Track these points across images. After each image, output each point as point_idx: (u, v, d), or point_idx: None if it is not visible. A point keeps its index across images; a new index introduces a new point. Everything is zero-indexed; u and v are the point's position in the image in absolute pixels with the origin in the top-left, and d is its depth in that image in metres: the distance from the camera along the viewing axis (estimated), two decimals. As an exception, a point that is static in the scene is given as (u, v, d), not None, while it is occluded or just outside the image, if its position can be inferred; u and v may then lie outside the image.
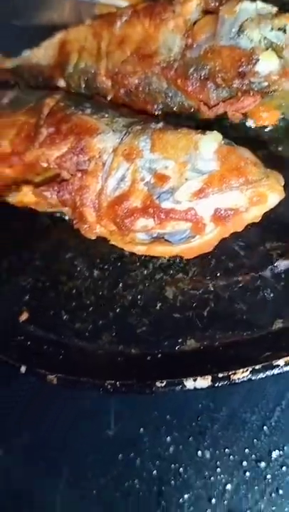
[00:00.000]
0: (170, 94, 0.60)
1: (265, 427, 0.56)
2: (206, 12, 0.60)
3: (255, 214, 0.48)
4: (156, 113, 0.63)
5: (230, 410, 0.58)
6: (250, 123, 0.59)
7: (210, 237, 0.50)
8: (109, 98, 0.66)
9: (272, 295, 0.51)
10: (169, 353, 0.52)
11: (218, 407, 0.59)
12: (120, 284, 0.58)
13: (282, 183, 0.49)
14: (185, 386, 0.46)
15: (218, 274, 0.54)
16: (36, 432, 0.63)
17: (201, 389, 0.46)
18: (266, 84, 0.54)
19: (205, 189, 0.49)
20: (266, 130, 0.59)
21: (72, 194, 0.56)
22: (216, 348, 0.50)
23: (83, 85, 0.67)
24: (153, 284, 0.56)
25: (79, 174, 0.56)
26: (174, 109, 0.61)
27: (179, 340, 0.53)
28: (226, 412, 0.59)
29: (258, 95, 0.54)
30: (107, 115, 0.59)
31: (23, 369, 0.53)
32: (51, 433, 0.65)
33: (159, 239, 0.53)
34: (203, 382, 0.45)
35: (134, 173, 0.53)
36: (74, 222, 0.57)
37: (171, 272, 0.56)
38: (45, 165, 0.59)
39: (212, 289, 0.54)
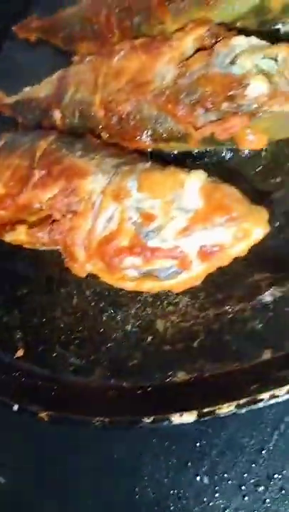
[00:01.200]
0: (160, 120, 0.63)
1: (263, 452, 0.57)
2: (201, 49, 0.63)
3: (240, 249, 0.50)
4: (146, 141, 0.65)
5: (229, 435, 0.60)
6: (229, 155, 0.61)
7: (197, 272, 0.52)
8: (100, 129, 0.69)
9: (260, 326, 0.53)
10: (160, 386, 0.53)
11: (216, 432, 0.60)
12: (112, 319, 0.60)
13: (267, 217, 0.51)
14: (171, 422, 0.47)
15: (208, 306, 0.56)
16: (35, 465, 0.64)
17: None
18: (255, 106, 0.55)
19: (190, 227, 0.51)
20: (250, 164, 0.61)
21: (63, 234, 0.58)
22: (204, 380, 0.52)
23: (77, 115, 0.70)
24: (144, 318, 0.58)
25: (69, 215, 0.58)
26: (163, 135, 0.63)
27: (170, 373, 0.54)
28: (224, 437, 0.60)
29: (245, 116, 0.56)
30: (97, 156, 0.62)
31: (15, 407, 0.55)
32: (49, 465, 0.66)
33: (148, 275, 0.54)
34: (189, 417, 0.47)
35: (123, 213, 0.55)
36: (65, 260, 0.59)
37: (161, 305, 0.58)
38: (38, 206, 0.61)
39: (202, 320, 0.55)
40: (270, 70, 0.56)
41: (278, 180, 0.58)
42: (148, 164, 0.58)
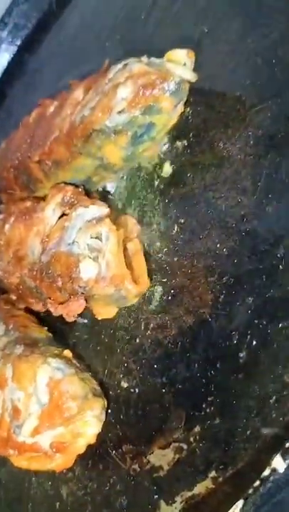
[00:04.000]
0: (38, 291, 0.68)
1: None
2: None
3: (84, 443, 0.54)
4: (38, 305, 0.71)
5: None
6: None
7: (61, 460, 0.57)
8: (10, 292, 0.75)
9: (126, 502, 0.56)
10: None
11: None
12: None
13: (99, 412, 0.54)
14: None
15: (93, 476, 0.60)
16: None
17: None
18: (87, 288, 0.59)
19: (39, 427, 0.56)
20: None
21: None
22: None
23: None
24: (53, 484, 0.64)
25: None
26: (43, 306, 0.69)
27: None
28: None
29: (81, 298, 0.59)
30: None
31: None
32: None
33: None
34: None
35: (3, 403, 0.61)
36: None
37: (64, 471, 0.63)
38: None
39: (89, 490, 0.60)
40: (98, 247, 0.58)
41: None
42: (21, 349, 0.63)
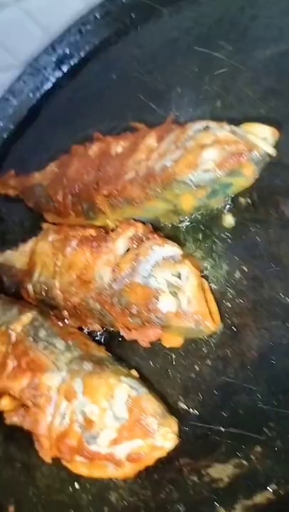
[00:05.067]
0: (103, 314, 0.75)
1: None
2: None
3: (158, 455, 0.63)
4: (96, 326, 0.79)
5: None
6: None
7: (129, 469, 0.65)
8: (62, 308, 0.81)
9: (183, 508, 0.65)
10: None
11: None
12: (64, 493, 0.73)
13: (176, 429, 0.63)
14: None
15: (146, 485, 0.68)
16: None
17: None
18: (165, 319, 0.67)
19: (118, 439, 0.63)
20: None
21: (30, 425, 0.72)
22: None
23: (44, 294, 0.83)
24: (99, 488, 0.71)
25: (34, 408, 0.72)
26: (107, 325, 0.76)
27: None
28: None
29: (158, 328, 0.68)
30: (55, 349, 0.75)
31: None
32: None
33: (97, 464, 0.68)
34: None
35: (72, 414, 0.68)
36: (36, 444, 0.73)
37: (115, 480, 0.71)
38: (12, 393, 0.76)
39: (142, 497, 0.68)
40: (178, 285, 0.67)
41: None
42: (90, 366, 0.70)
